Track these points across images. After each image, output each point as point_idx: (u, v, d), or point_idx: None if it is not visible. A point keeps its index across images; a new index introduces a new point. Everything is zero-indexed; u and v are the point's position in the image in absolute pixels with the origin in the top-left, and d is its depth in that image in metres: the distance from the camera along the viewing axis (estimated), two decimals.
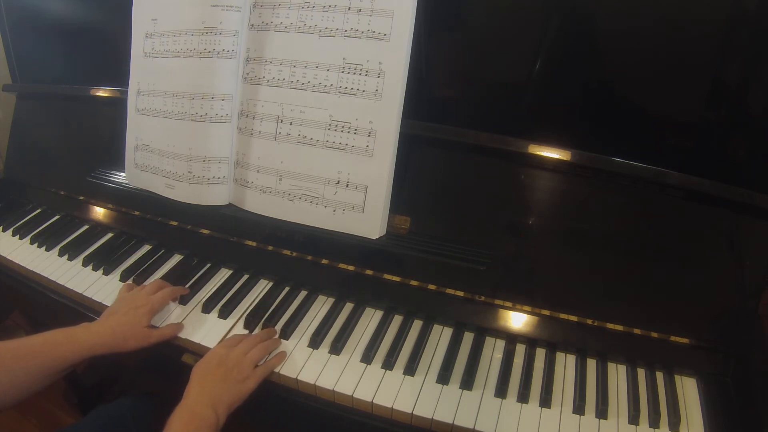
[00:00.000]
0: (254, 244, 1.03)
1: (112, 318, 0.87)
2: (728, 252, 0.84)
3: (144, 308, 0.88)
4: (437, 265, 0.91)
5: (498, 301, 0.90)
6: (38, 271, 1.08)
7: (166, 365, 0.94)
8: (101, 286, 1.03)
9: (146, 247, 1.13)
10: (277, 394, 0.85)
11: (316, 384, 0.82)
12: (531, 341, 0.90)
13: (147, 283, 1.02)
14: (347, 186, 0.93)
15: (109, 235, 1.17)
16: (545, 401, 0.80)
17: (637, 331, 0.86)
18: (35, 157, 1.33)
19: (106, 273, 1.06)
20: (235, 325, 0.94)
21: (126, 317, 0.87)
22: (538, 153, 0.86)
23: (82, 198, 1.22)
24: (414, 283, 0.94)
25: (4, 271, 1.14)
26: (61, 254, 1.11)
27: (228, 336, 0.91)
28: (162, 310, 0.93)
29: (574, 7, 0.86)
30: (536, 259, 0.90)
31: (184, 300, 0.98)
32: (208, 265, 1.07)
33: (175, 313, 0.95)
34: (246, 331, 0.92)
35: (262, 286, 1.02)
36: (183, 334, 0.91)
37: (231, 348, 0.84)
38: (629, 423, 0.78)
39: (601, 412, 0.79)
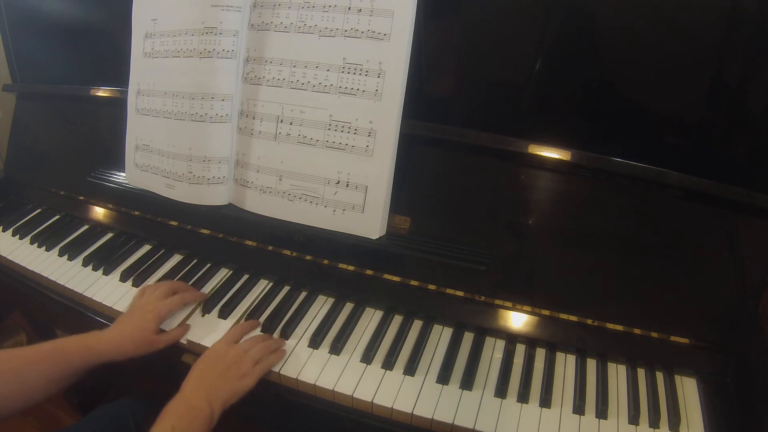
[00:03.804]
0: (254, 244, 1.03)
1: (121, 325, 0.88)
2: (728, 252, 0.83)
3: (151, 314, 0.89)
4: (437, 265, 0.91)
5: (498, 301, 0.90)
6: (38, 271, 1.08)
7: (166, 365, 0.94)
8: (101, 286, 1.03)
9: (146, 247, 1.13)
10: (277, 394, 0.85)
11: (316, 384, 0.82)
12: (531, 341, 0.90)
13: (149, 282, 1.03)
14: (347, 186, 0.93)
15: (109, 235, 1.17)
16: (545, 401, 0.80)
17: (637, 331, 0.86)
18: (35, 157, 1.32)
19: (106, 273, 1.06)
20: (235, 325, 0.93)
21: (134, 324, 0.87)
22: (538, 153, 0.86)
23: (82, 198, 1.22)
24: (414, 283, 0.94)
25: (4, 271, 1.14)
26: (61, 254, 1.11)
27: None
28: (169, 316, 0.92)
29: (573, 7, 0.86)
30: (536, 259, 0.90)
31: None
32: (208, 265, 1.07)
33: (175, 313, 0.95)
34: None
35: (262, 286, 1.02)
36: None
37: (231, 344, 0.84)
38: (629, 423, 0.78)
39: (601, 412, 0.79)
